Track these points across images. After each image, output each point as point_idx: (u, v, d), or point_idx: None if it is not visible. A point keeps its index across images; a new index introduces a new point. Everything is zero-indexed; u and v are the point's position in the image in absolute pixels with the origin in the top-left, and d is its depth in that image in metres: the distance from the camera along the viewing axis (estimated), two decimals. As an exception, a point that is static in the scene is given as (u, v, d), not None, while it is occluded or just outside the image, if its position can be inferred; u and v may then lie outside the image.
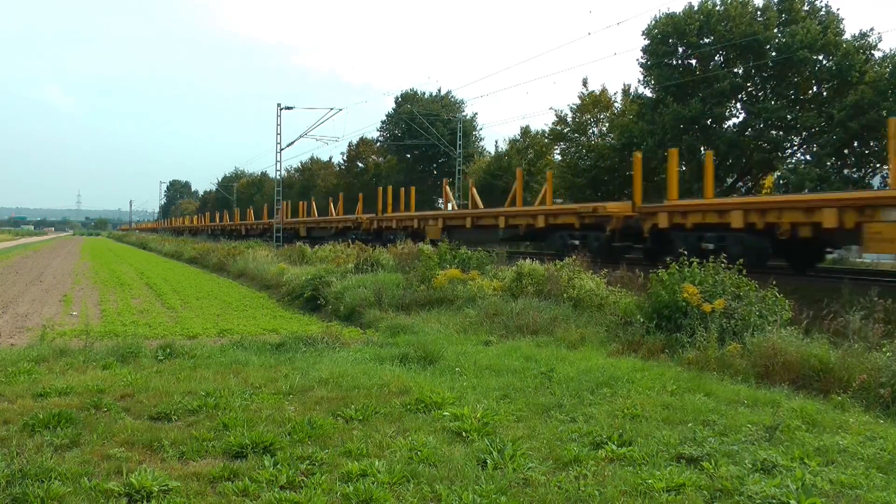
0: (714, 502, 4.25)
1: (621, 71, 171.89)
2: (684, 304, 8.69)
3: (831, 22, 29.50)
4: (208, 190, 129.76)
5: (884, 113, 25.83)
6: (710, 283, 9.06)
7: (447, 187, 35.55)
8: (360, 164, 66.57)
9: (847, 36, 29.41)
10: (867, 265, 23.35)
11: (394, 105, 61.11)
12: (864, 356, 6.88)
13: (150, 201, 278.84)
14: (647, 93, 34.26)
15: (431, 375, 7.48)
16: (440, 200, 53.29)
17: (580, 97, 38.76)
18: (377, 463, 4.74)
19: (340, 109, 63.33)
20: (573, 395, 6.52)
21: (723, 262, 9.49)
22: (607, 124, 38.18)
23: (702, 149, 32.08)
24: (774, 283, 9.13)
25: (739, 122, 31.87)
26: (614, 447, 5.06)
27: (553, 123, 39.78)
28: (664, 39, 32.37)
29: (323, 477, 4.53)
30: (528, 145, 46.04)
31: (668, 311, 8.91)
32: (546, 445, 5.15)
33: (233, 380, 7.11)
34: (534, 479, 4.51)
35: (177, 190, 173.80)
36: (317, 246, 26.57)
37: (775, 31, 30.17)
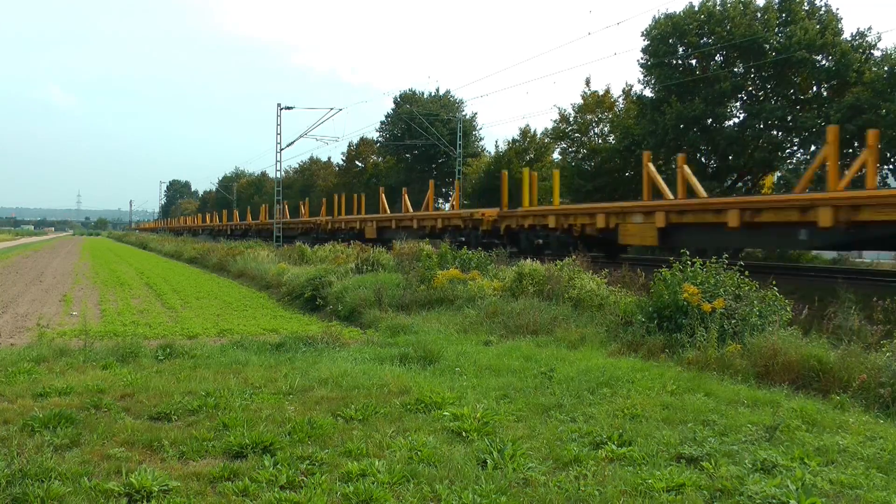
0: (714, 502, 4.25)
1: (621, 71, 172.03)
2: (685, 304, 8.69)
3: (830, 22, 29.49)
4: (208, 190, 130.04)
5: (882, 112, 25.81)
6: (710, 283, 9.06)
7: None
8: (360, 164, 66.57)
9: (846, 35, 29.41)
10: (867, 265, 23.36)
11: (393, 105, 61.14)
12: (864, 356, 6.88)
13: (150, 201, 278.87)
14: (648, 93, 34.27)
15: (431, 375, 7.48)
16: (440, 200, 53.36)
17: (583, 96, 38.76)
18: (377, 463, 4.73)
19: (340, 109, 63.50)
20: (573, 395, 6.52)
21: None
22: (608, 125, 38.16)
23: (703, 148, 32.15)
24: (774, 283, 9.14)
25: (739, 121, 31.86)
26: (614, 447, 5.05)
27: (555, 121, 39.77)
28: (664, 39, 32.37)
29: (323, 477, 4.53)
30: (526, 147, 46.01)
31: (669, 311, 8.91)
32: (546, 445, 5.15)
33: (233, 380, 7.11)
34: (534, 479, 4.51)
35: (177, 190, 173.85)
36: (316, 246, 26.66)
37: (775, 31, 30.17)
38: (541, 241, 20.82)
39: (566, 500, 4.23)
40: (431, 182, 36.81)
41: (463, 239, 24.31)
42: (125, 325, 12.07)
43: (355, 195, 41.41)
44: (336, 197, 42.30)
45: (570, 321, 10.42)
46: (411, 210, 35.55)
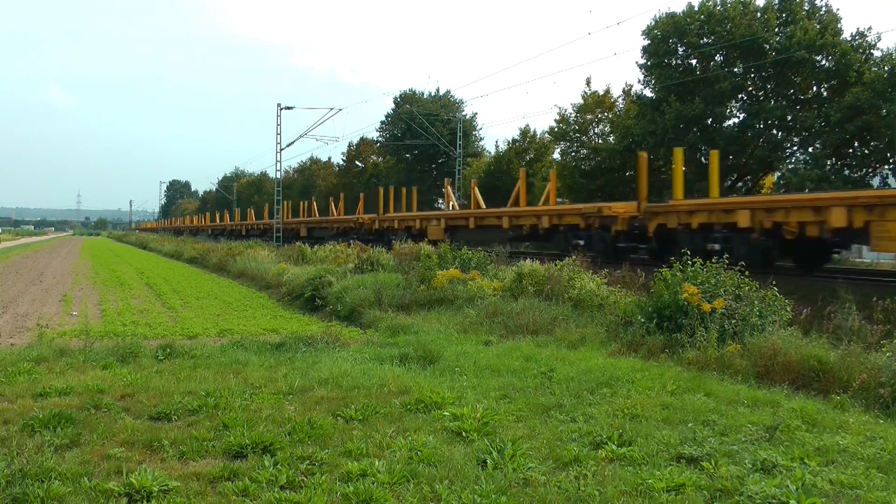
0: (714, 502, 4.25)
1: (622, 71, 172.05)
2: (685, 303, 8.69)
3: (830, 22, 29.50)
4: (208, 190, 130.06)
5: (882, 113, 25.81)
6: (711, 283, 9.06)
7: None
8: (360, 164, 66.61)
9: (846, 35, 29.42)
10: (867, 265, 23.36)
11: (393, 105, 61.17)
12: (864, 356, 6.88)
13: (151, 201, 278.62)
14: (648, 93, 34.29)
15: (431, 375, 7.48)
16: (440, 200, 53.31)
17: (583, 96, 38.76)
18: (377, 463, 4.73)
19: (340, 109, 63.46)
20: (573, 395, 6.52)
21: (726, 264, 9.47)
22: (609, 125, 38.16)
23: (703, 148, 32.15)
24: (774, 283, 9.14)
25: (739, 121, 31.87)
26: (614, 447, 5.05)
27: (556, 121, 39.75)
28: (664, 39, 32.38)
29: (323, 477, 4.53)
30: (526, 147, 46.01)
31: (669, 311, 8.90)
32: (546, 445, 5.15)
33: (233, 380, 7.11)
34: (534, 479, 4.51)
35: (177, 190, 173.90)
36: (316, 246, 26.61)
37: (775, 31, 30.18)
38: (718, 245, 15.40)
39: (566, 500, 4.23)
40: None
41: (581, 242, 19.52)
42: (125, 325, 12.07)
43: (403, 189, 37.17)
44: (381, 191, 37.23)
45: (570, 321, 10.42)
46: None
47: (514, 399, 6.44)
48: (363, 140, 65.92)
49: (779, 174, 31.18)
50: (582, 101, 38.74)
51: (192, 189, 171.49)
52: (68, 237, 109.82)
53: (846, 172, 27.76)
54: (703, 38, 31.69)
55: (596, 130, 39.03)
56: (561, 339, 9.46)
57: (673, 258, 9.76)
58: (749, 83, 31.60)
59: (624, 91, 38.28)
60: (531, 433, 5.44)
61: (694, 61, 32.57)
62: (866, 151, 27.65)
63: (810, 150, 29.69)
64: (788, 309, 8.64)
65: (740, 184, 33.01)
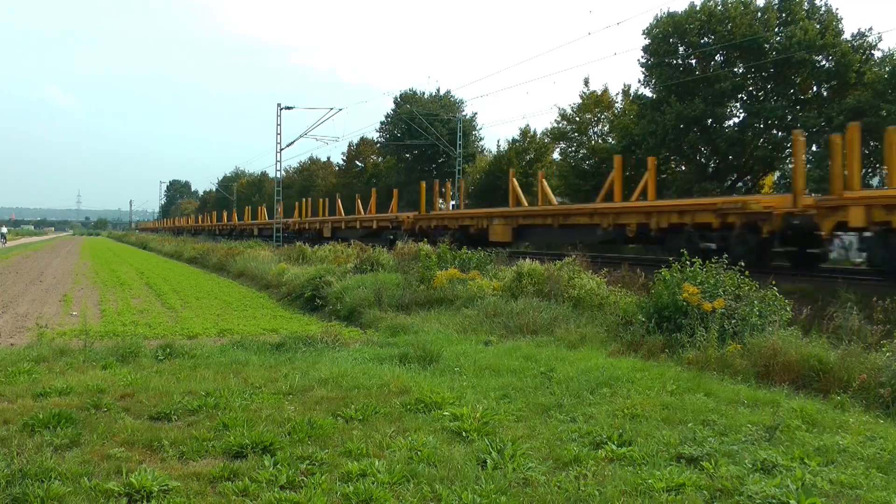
0: (714, 502, 4.25)
1: (621, 71, 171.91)
2: (685, 304, 8.69)
3: (830, 22, 29.52)
4: (208, 190, 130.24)
5: (883, 114, 25.82)
6: (710, 283, 9.06)
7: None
8: (360, 164, 66.60)
9: (846, 36, 29.44)
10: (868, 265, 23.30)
11: (393, 105, 61.17)
12: (864, 356, 6.88)
13: (150, 201, 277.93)
14: (648, 93, 34.31)
15: (431, 375, 7.48)
16: (440, 201, 53.29)
17: (581, 96, 38.79)
18: (377, 463, 4.73)
19: (340, 109, 63.61)
20: (573, 395, 6.52)
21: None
22: (608, 125, 38.18)
23: (702, 148, 32.15)
24: (774, 283, 9.14)
25: (739, 121, 31.89)
26: (614, 447, 5.05)
27: (556, 120, 39.75)
28: (665, 38, 32.40)
29: (323, 477, 4.53)
30: (526, 147, 46.01)
31: (669, 312, 8.90)
32: (546, 445, 5.15)
33: (233, 380, 7.10)
34: (534, 479, 4.51)
35: (177, 190, 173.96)
36: (316, 245, 26.61)
37: (775, 31, 30.21)
38: None
39: (566, 500, 4.23)
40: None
41: (713, 246, 15.48)
42: (125, 325, 12.07)
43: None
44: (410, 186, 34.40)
45: (570, 321, 10.41)
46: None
47: (514, 399, 6.44)
48: (363, 140, 65.99)
49: (779, 174, 31.19)
50: (581, 101, 38.79)
51: (192, 189, 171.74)
52: (68, 237, 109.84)
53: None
54: (703, 38, 31.70)
55: (595, 130, 39.07)
56: (561, 338, 9.45)
57: None
58: (749, 83, 31.62)
59: (623, 91, 38.35)
60: (531, 433, 5.44)
61: (694, 61, 32.59)
62: (866, 152, 27.64)
63: (813, 149, 29.71)
64: (788, 309, 8.64)
65: (740, 184, 33.02)
